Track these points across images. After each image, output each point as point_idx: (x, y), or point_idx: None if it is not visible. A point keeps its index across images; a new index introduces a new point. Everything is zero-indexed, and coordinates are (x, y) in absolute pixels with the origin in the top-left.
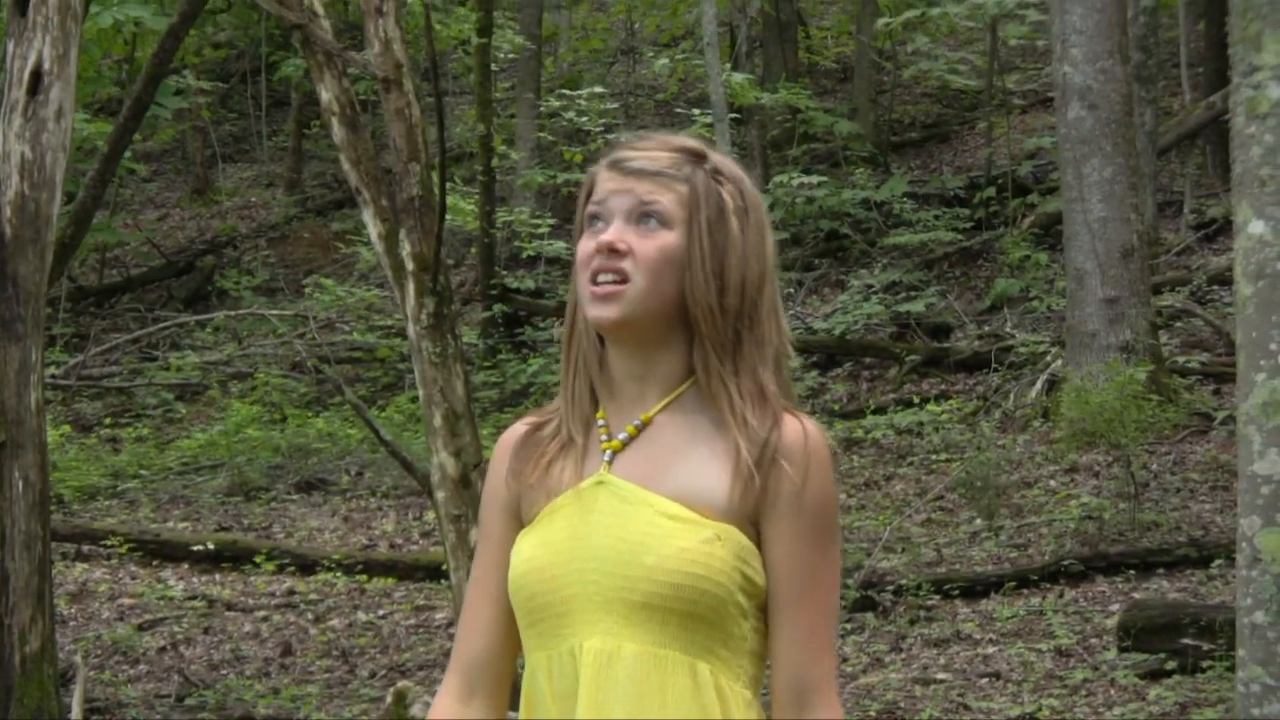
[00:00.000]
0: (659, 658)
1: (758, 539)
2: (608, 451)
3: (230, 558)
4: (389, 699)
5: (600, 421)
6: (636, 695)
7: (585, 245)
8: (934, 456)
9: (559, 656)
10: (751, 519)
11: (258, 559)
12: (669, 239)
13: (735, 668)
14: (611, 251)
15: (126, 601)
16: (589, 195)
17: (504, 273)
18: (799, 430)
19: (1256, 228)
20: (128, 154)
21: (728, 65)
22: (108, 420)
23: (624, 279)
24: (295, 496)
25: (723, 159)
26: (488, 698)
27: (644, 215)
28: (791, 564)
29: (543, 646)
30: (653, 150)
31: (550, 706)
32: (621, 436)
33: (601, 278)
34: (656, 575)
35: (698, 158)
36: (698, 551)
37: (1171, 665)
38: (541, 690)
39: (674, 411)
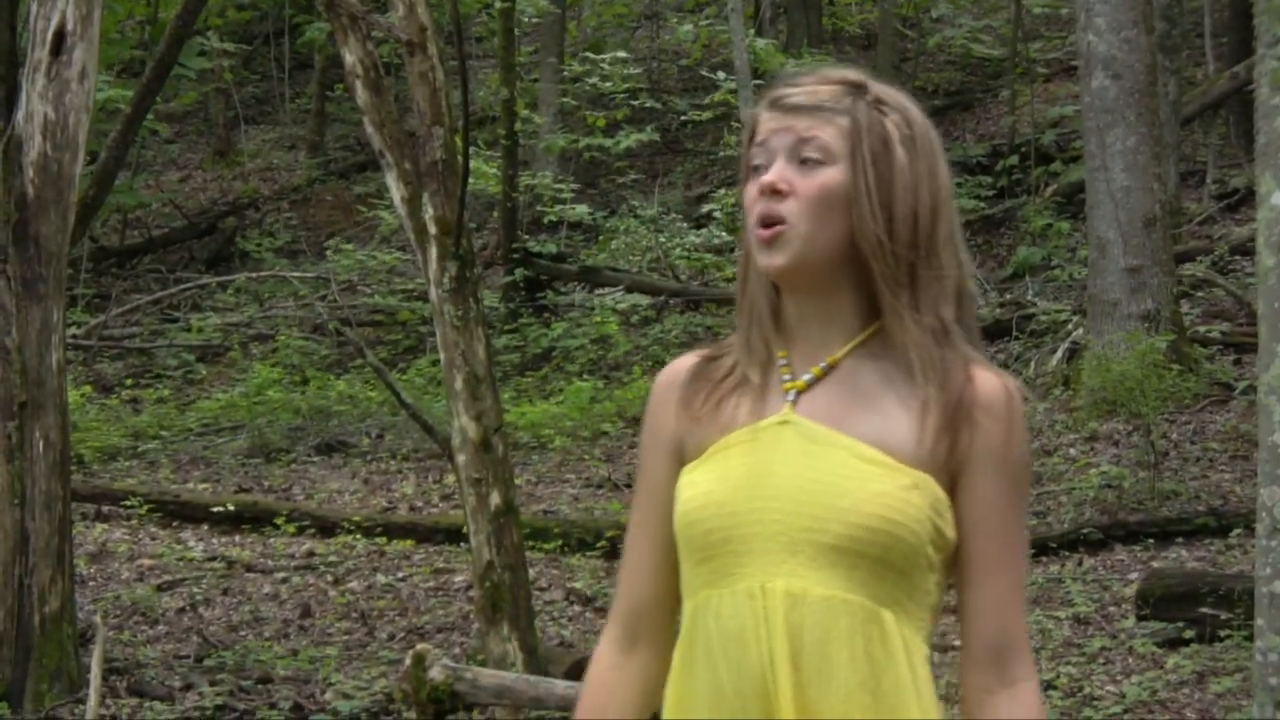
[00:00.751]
0: (847, 603)
1: (951, 492)
2: (791, 391)
3: (250, 519)
4: (408, 661)
5: (783, 361)
6: (823, 640)
7: (750, 189)
8: None
9: (732, 596)
10: (947, 471)
11: (277, 521)
12: (832, 175)
13: (918, 620)
14: (774, 192)
15: (146, 562)
16: (752, 138)
17: (526, 237)
18: (998, 384)
19: (1279, 198)
20: (150, 115)
21: (751, 31)
22: (129, 381)
23: (788, 222)
24: (315, 459)
25: (886, 89)
26: (651, 646)
27: (806, 152)
28: (993, 521)
29: (714, 584)
30: (811, 84)
31: (717, 647)
32: (807, 377)
33: (766, 221)
34: (850, 518)
35: (859, 89)
36: (894, 497)
37: (1189, 634)
38: (708, 630)
39: (861, 355)
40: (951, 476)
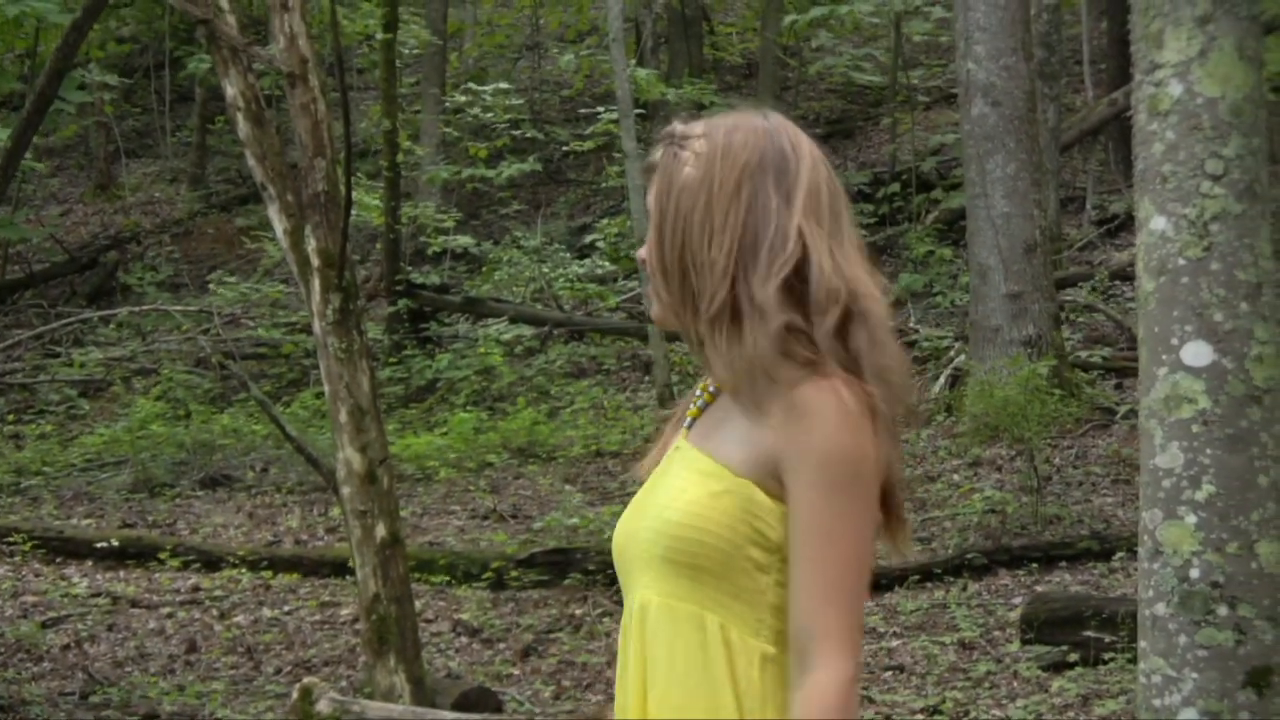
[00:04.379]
0: (673, 609)
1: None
2: (690, 418)
3: (135, 554)
4: (295, 695)
5: (698, 392)
6: (658, 645)
7: None
8: None
9: (626, 611)
10: (774, 474)
11: (162, 555)
12: (653, 233)
13: (753, 621)
14: (642, 263)
15: (30, 599)
16: None
17: (409, 268)
18: (815, 386)
19: (1158, 224)
20: (30, 150)
21: (633, 61)
22: (10, 417)
23: (650, 281)
24: (200, 493)
25: (710, 120)
26: None
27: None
28: (801, 516)
29: (625, 602)
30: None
31: (622, 658)
32: (700, 404)
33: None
34: (669, 528)
35: (669, 137)
36: (702, 504)
37: (1074, 657)
38: (620, 642)
39: None
40: (778, 478)
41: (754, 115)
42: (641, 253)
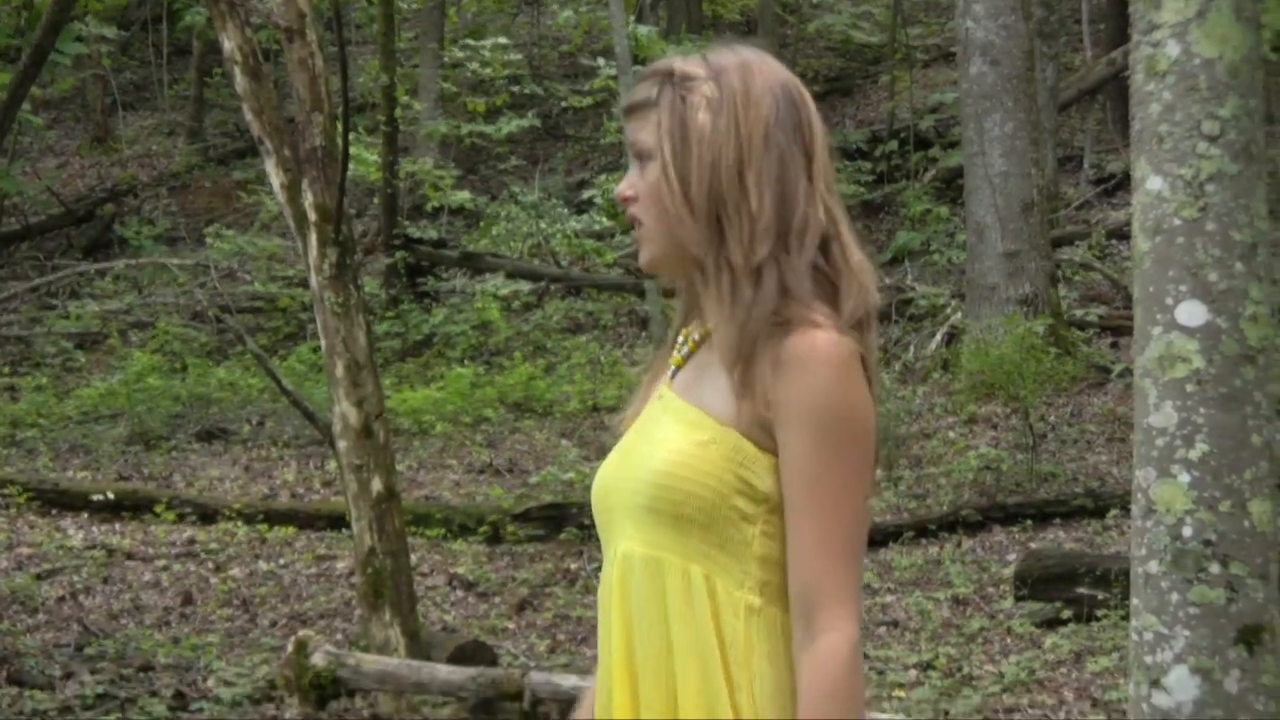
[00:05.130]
0: (658, 560)
1: (776, 446)
2: (673, 366)
3: (130, 507)
4: (290, 648)
5: (680, 339)
6: (642, 597)
7: None
8: None
9: (607, 563)
10: (762, 425)
11: (158, 508)
12: (654, 171)
13: (738, 573)
14: (624, 200)
15: (25, 551)
16: None
17: (407, 223)
18: (808, 338)
19: (1154, 184)
20: (26, 103)
21: (632, 18)
22: (6, 369)
23: (642, 222)
24: (196, 446)
25: (706, 59)
26: None
27: (638, 154)
28: (798, 470)
29: (605, 554)
30: (636, 84)
31: (604, 610)
32: (684, 352)
33: (630, 224)
34: (653, 478)
35: (667, 75)
36: (686, 453)
37: (1067, 614)
38: (601, 595)
39: None
40: (767, 429)
41: (751, 55)
42: (627, 190)
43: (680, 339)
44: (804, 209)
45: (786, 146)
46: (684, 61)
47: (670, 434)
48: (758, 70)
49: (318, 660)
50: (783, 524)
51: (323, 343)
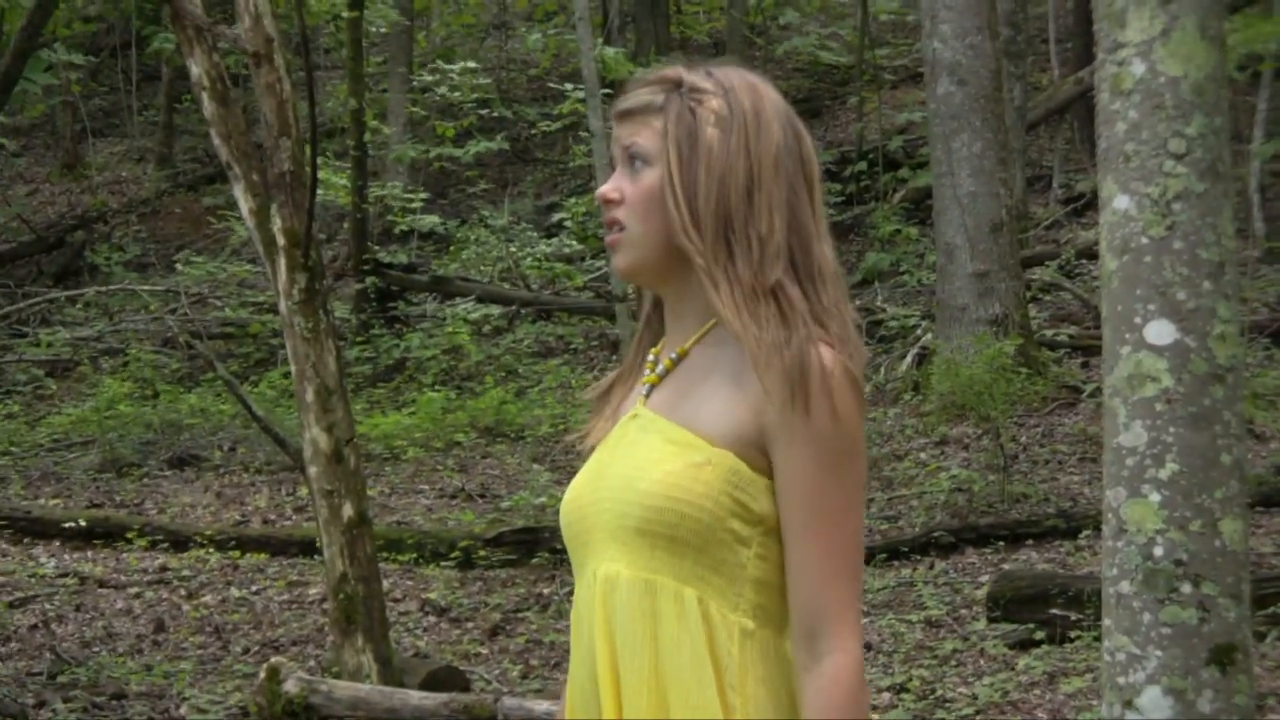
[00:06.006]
0: (649, 583)
1: (769, 467)
2: (646, 385)
3: (102, 534)
4: (262, 675)
5: (651, 357)
6: (629, 620)
7: None
8: None
9: (582, 585)
10: (759, 446)
11: (130, 535)
12: (651, 176)
13: (732, 596)
14: (606, 203)
15: None
16: None
17: (376, 248)
18: (813, 356)
19: (1121, 203)
20: None
21: (600, 40)
22: None
23: (623, 227)
24: (167, 472)
25: (711, 74)
26: None
27: (631, 158)
28: (799, 492)
29: (577, 575)
30: (636, 89)
31: (573, 633)
32: (660, 370)
33: (608, 228)
34: (644, 499)
35: (675, 84)
36: (681, 475)
37: (1040, 635)
38: (575, 617)
39: (707, 343)
40: (764, 451)
41: (755, 78)
42: (612, 193)
43: (652, 357)
44: (811, 236)
45: (794, 174)
46: (690, 73)
47: (659, 455)
48: (765, 95)
49: (290, 687)
50: (777, 547)
51: (293, 368)
